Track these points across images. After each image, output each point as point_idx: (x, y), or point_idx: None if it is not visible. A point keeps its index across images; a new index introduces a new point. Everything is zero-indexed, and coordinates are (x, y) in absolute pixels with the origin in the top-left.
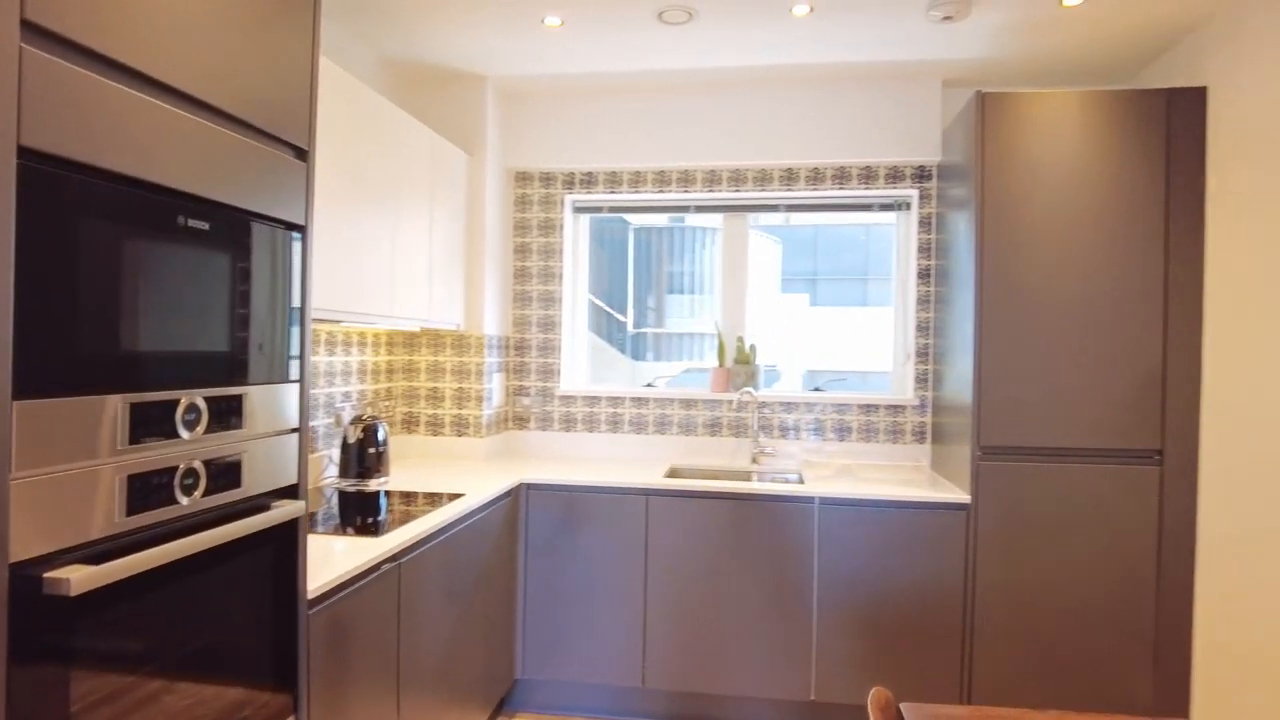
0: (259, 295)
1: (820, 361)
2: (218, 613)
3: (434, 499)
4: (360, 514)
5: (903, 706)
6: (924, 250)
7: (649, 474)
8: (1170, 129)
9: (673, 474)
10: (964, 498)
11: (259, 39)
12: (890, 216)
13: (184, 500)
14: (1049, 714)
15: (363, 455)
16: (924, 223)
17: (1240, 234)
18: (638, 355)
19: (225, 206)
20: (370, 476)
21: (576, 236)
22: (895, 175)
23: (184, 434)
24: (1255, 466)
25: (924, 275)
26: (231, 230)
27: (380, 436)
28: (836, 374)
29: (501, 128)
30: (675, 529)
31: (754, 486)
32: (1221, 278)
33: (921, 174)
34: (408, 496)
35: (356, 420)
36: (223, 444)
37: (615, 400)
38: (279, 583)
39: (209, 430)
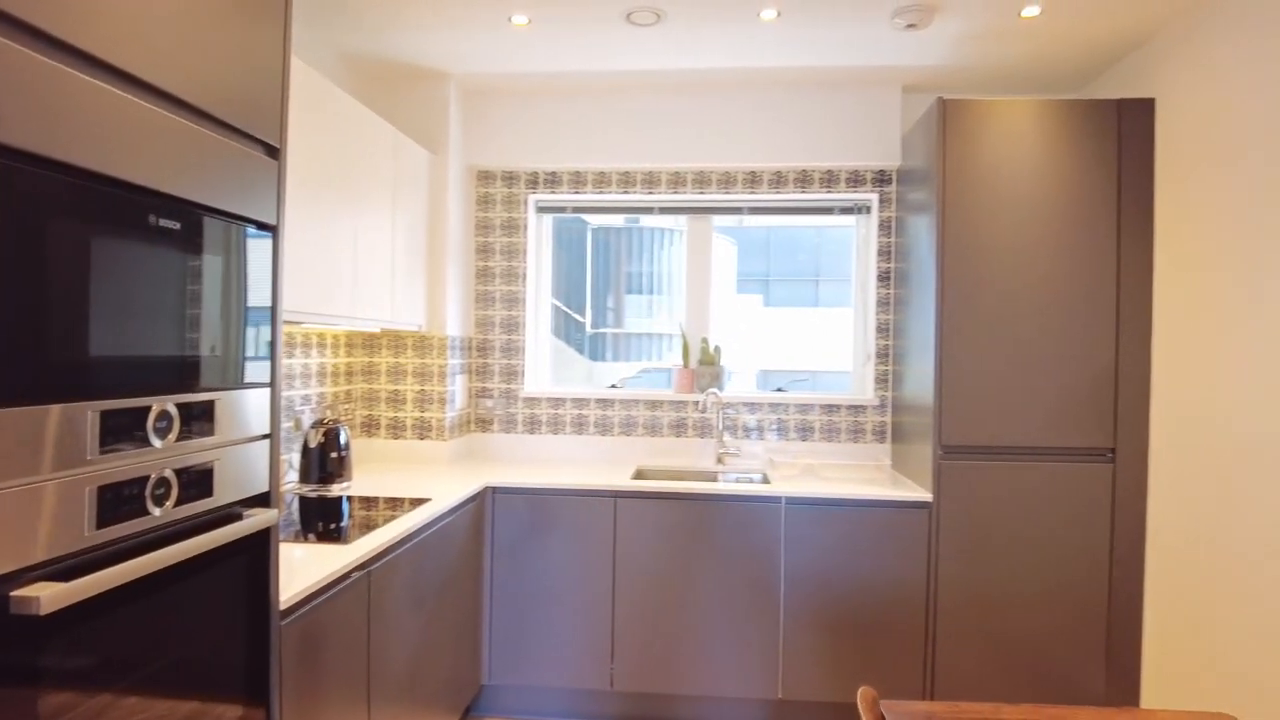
0: (231, 297)
1: (775, 362)
2: (187, 626)
3: (399, 504)
4: (323, 520)
5: (882, 705)
6: (884, 253)
7: (617, 475)
8: (1121, 138)
9: (639, 475)
10: (926, 496)
11: (229, 32)
12: (848, 219)
13: (155, 511)
14: (1021, 708)
15: (324, 460)
16: (884, 226)
17: (1187, 238)
18: (595, 356)
19: (196, 205)
20: (332, 481)
21: (540, 236)
22: (856, 179)
23: (155, 442)
24: (1200, 463)
25: (884, 278)
26: (202, 230)
27: (342, 440)
28: (797, 375)
29: (465, 126)
30: (644, 530)
31: (722, 487)
32: (1170, 281)
33: (882, 178)
34: (372, 502)
35: (317, 424)
36: (194, 452)
37: (580, 402)
38: (251, 594)
39: (180, 438)
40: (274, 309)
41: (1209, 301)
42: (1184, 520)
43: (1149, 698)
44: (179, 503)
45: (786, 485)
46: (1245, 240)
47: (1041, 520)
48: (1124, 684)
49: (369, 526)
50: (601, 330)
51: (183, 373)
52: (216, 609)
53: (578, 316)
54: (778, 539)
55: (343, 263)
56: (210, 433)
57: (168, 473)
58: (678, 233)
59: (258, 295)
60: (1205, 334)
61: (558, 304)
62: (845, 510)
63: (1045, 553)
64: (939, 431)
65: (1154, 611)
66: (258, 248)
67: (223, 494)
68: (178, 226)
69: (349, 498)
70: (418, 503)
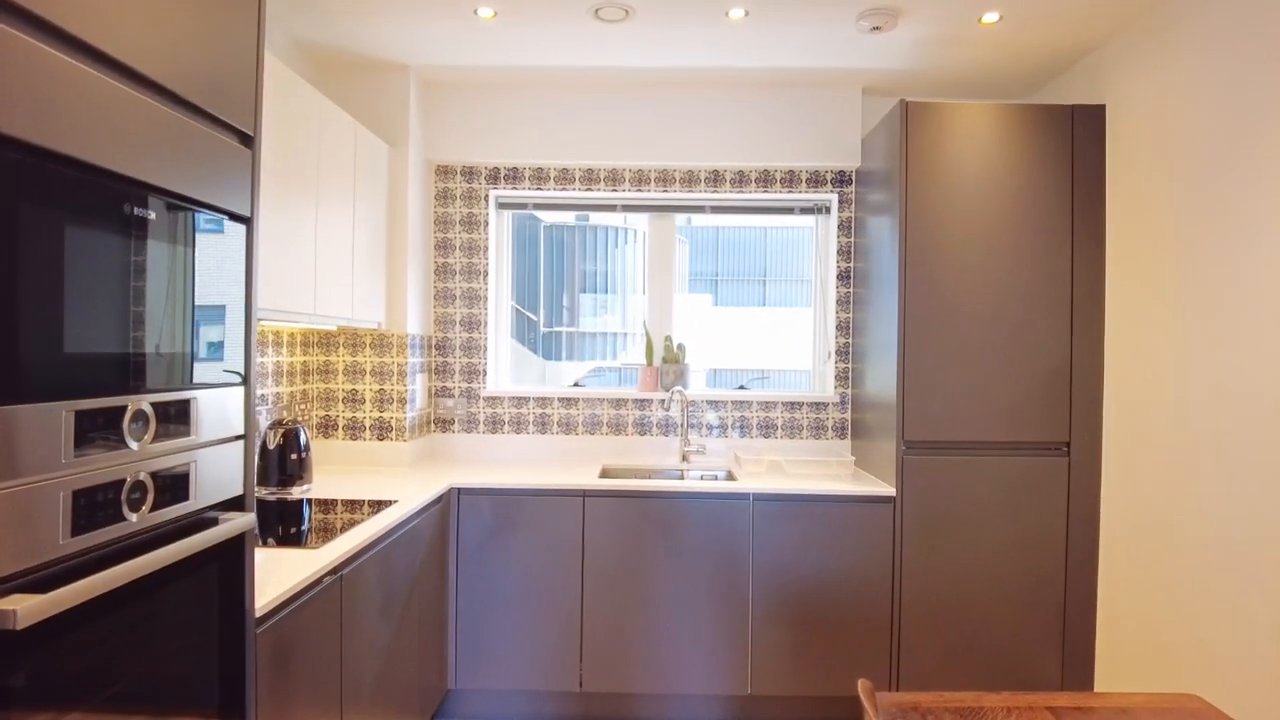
0: (206, 291)
1: (726, 361)
2: (159, 637)
3: (361, 506)
4: (285, 524)
5: (875, 696)
6: (843, 253)
7: (583, 475)
8: (1074, 142)
9: (605, 474)
10: (890, 491)
11: (202, 13)
12: (808, 220)
13: (132, 517)
14: (1002, 695)
15: (284, 462)
16: (843, 226)
17: (1137, 239)
18: (549, 355)
19: (172, 194)
20: (293, 484)
21: (500, 233)
22: (816, 179)
23: (132, 444)
24: (1150, 456)
25: (843, 277)
26: (178, 220)
27: (302, 441)
28: (748, 374)
29: (424, 119)
30: (612, 529)
31: (691, 485)
32: (1121, 280)
33: (842, 179)
34: (335, 505)
35: (276, 425)
36: (171, 454)
37: (543, 401)
38: (225, 601)
39: (156, 439)
40: (248, 303)
41: (1158, 300)
42: (1136, 511)
43: (1102, 682)
44: (156, 507)
45: (754, 482)
46: (1192, 242)
47: (1001, 512)
48: (1078, 670)
49: (335, 530)
50: (555, 329)
51: (157, 371)
52: (190, 618)
53: (531, 315)
54: (746, 535)
55: (304, 258)
56: (186, 433)
57: (144, 476)
58: (631, 231)
59: (232, 289)
60: (1155, 331)
61: (512, 303)
62: (812, 505)
63: (1004, 544)
64: (902, 427)
65: (1107, 600)
66: (232, 240)
67: (199, 498)
68: (152, 216)
69: (310, 501)
70: (381, 505)
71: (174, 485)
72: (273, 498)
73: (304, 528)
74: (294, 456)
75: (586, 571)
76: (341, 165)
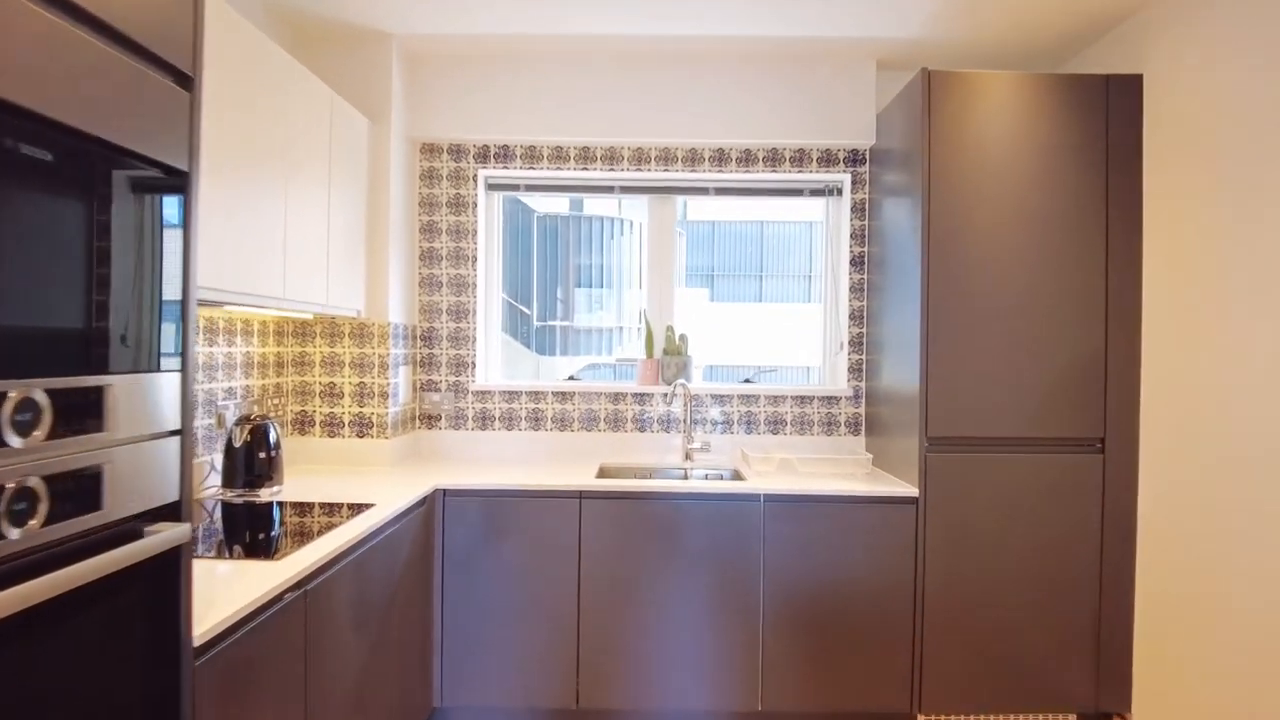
0: (125, 255)
1: (725, 357)
2: (78, 676)
3: (337, 510)
4: (251, 531)
5: None
6: (856, 237)
7: (579, 474)
8: (1109, 115)
9: (603, 474)
10: (912, 491)
11: None
12: (816, 204)
13: (13, 533)
14: None
15: (251, 461)
16: (856, 209)
17: (1177, 222)
18: (543, 350)
19: (80, 134)
20: (261, 485)
21: (490, 216)
22: (828, 159)
23: (12, 440)
24: (1193, 453)
25: (856, 263)
26: (89, 167)
27: (271, 438)
28: (743, 369)
29: (408, 94)
30: (612, 533)
31: (697, 485)
32: (1159, 263)
33: (855, 158)
34: (307, 508)
35: (243, 420)
36: (73, 453)
37: (536, 395)
38: (156, 629)
39: (52, 435)
40: (186, 276)
41: (1201, 285)
42: (1177, 511)
43: (1140, 700)
44: (52, 520)
45: (764, 482)
46: (1237, 223)
47: (1031, 514)
48: (1115, 686)
49: (305, 536)
50: (549, 323)
51: (56, 352)
52: (109, 652)
53: (524, 309)
54: (757, 539)
55: (271, 236)
56: (99, 428)
57: (33, 481)
58: (627, 223)
59: (168, 259)
60: (1197, 319)
61: (504, 295)
62: (828, 507)
63: (1034, 548)
64: (925, 422)
65: (1145, 609)
66: (166, 199)
67: (116, 506)
68: (49, 158)
69: (280, 504)
70: (359, 509)
71: (78, 492)
72: (239, 500)
73: (272, 534)
74: (262, 455)
75: (583, 579)
76: (316, 138)
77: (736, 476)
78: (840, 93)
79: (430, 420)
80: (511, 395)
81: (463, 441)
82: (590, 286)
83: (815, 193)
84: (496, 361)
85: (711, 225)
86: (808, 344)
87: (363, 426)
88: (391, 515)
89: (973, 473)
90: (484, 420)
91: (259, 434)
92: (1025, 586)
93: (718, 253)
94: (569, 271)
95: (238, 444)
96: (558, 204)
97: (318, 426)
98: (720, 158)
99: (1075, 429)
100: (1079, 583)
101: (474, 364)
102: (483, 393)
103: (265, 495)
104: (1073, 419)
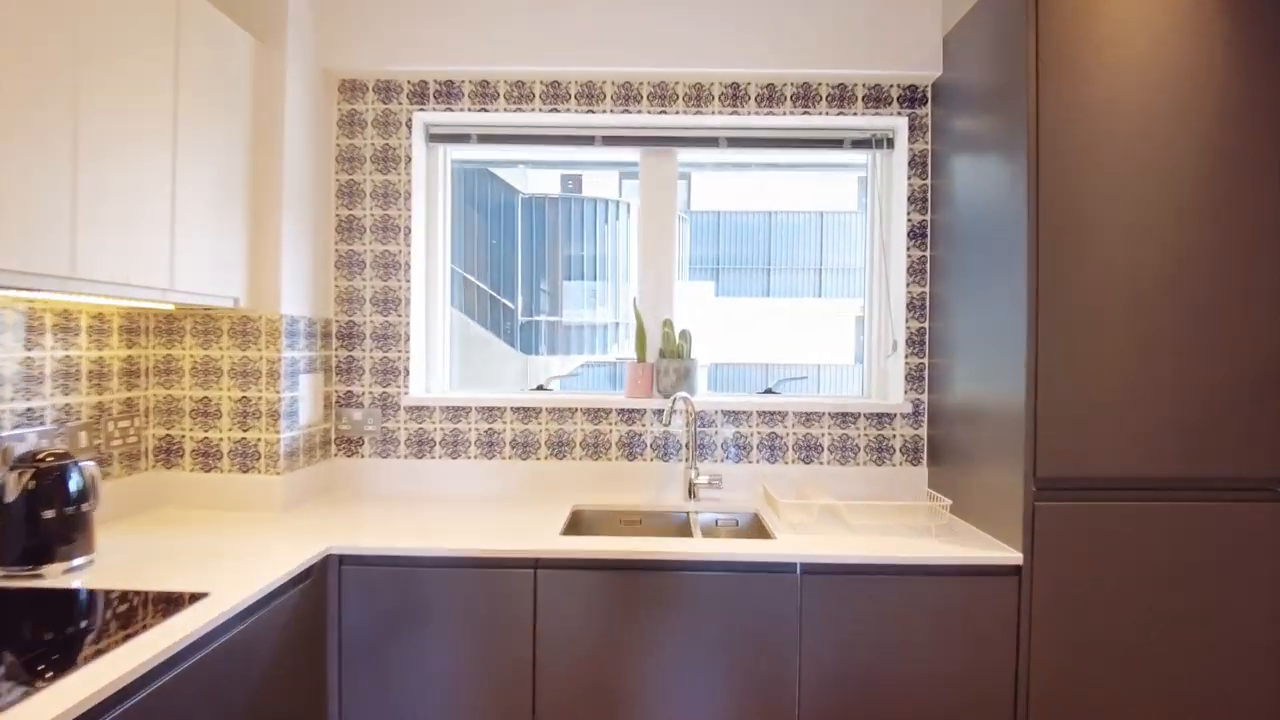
0: None
1: (734, 355)
2: None
3: (138, 612)
4: (9, 645)
5: None
6: (915, 201)
7: (541, 524)
8: None
9: (575, 523)
10: (1013, 555)
11: None
12: (859, 157)
13: None
14: None
15: (34, 524)
16: (915, 164)
17: None
18: (528, 348)
19: None
20: (50, 560)
21: (433, 175)
22: (878, 97)
23: None
24: None
25: (915, 235)
26: None
27: (74, 487)
28: (780, 369)
29: (317, 8)
30: (581, 617)
31: (702, 548)
32: None
33: (912, 96)
34: (121, 599)
35: (25, 461)
36: None
37: (490, 412)
38: None
39: None
40: None
41: None
42: None
43: None
44: None
45: (801, 540)
46: None
47: (1184, 587)
48: None
49: (76, 663)
50: (535, 318)
51: None
52: None
53: (508, 303)
54: (792, 627)
55: (49, 180)
56: None
57: None
58: (625, 205)
59: None
60: None
61: (482, 286)
62: (892, 581)
63: (1187, 636)
64: (1034, 457)
65: None
66: None
67: None
68: None
69: (79, 591)
70: (174, 605)
71: None
72: (9, 587)
73: (31, 654)
74: (49, 515)
75: (540, 684)
76: (146, 43)
77: (758, 525)
78: (895, 6)
79: (351, 445)
80: (457, 412)
81: (392, 473)
82: (584, 279)
83: (859, 144)
84: (442, 367)
85: (716, 216)
86: (843, 345)
87: (246, 457)
88: (235, 610)
89: (1101, 528)
90: (420, 445)
91: (50, 480)
92: (1176, 689)
93: (723, 243)
94: (558, 259)
95: (10, 498)
96: (547, 183)
97: (188, 457)
98: (735, 95)
99: (1244, 466)
100: (1253, 685)
101: (407, 369)
102: (418, 408)
103: (53, 579)
104: (1241, 452)
